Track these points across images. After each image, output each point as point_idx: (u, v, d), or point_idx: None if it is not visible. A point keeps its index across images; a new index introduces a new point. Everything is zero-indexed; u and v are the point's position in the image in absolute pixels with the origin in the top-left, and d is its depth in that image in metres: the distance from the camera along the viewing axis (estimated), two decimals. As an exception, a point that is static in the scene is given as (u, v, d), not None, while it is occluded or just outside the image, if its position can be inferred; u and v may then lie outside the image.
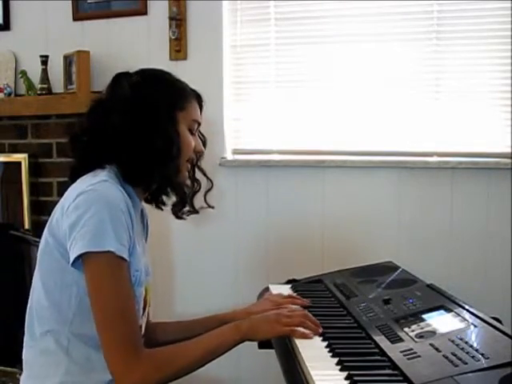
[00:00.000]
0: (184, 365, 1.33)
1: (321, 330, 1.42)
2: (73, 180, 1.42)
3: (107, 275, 1.27)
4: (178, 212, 1.56)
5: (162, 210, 1.54)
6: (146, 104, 1.40)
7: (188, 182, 1.53)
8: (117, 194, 1.32)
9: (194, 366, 1.34)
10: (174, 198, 1.54)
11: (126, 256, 1.29)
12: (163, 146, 1.39)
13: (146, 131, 1.38)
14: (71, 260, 1.28)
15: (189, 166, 1.51)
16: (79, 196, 1.30)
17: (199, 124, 1.52)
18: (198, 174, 1.58)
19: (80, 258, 1.27)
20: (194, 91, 1.52)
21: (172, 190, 1.49)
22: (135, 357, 1.27)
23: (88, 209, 1.27)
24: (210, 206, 1.62)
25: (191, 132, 1.48)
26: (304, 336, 1.39)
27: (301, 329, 1.40)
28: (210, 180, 1.61)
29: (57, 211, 1.36)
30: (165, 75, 1.51)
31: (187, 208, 1.57)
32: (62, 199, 1.37)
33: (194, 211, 1.58)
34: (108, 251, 1.26)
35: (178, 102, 1.45)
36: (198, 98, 1.53)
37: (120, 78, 1.45)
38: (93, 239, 1.25)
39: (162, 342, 1.62)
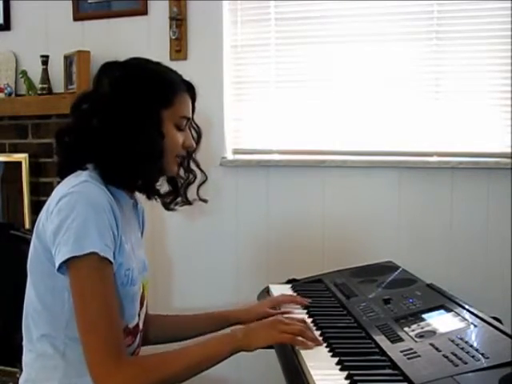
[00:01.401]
0: (171, 374, 1.27)
1: (320, 343, 1.37)
2: (62, 178, 1.38)
3: (91, 278, 1.24)
4: (168, 204, 1.53)
5: (156, 200, 1.49)
6: (127, 104, 1.33)
7: (175, 170, 1.48)
8: (99, 194, 1.29)
9: (182, 376, 1.29)
10: (165, 189, 1.51)
11: (110, 257, 1.26)
12: (144, 150, 1.33)
13: (125, 133, 1.32)
14: (56, 266, 1.25)
15: (178, 160, 1.46)
16: (61, 199, 1.27)
17: (189, 119, 1.46)
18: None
19: (65, 263, 1.24)
20: (185, 83, 1.45)
21: (151, 192, 1.44)
22: (116, 363, 1.22)
23: (70, 212, 1.24)
24: (202, 200, 1.59)
25: (179, 128, 1.42)
26: (304, 344, 1.34)
27: (300, 338, 1.35)
28: (204, 173, 1.57)
29: (42, 215, 1.34)
30: (152, 67, 1.43)
31: (180, 199, 1.54)
32: (47, 202, 1.34)
33: (187, 202, 1.55)
34: (91, 253, 1.23)
35: (162, 98, 1.37)
36: (190, 91, 1.46)
37: (103, 73, 1.39)
38: (76, 243, 1.22)
39: (160, 335, 1.63)
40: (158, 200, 1.50)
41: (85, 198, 1.26)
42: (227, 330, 1.48)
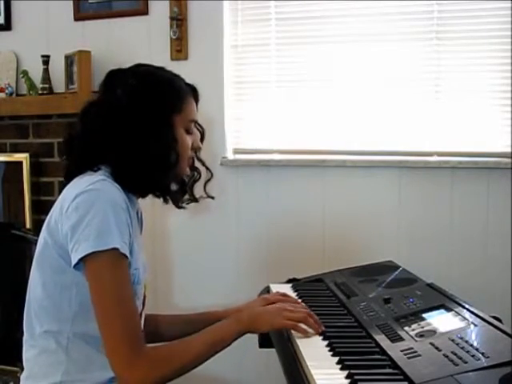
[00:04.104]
0: (187, 360, 1.32)
1: (322, 329, 1.43)
2: (68, 180, 1.41)
3: (111, 273, 1.27)
4: (177, 201, 1.55)
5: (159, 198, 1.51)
6: (142, 111, 1.37)
7: (187, 171, 1.52)
8: (117, 192, 1.32)
9: (196, 361, 1.34)
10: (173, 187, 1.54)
11: (127, 254, 1.30)
12: (162, 157, 1.37)
13: (142, 140, 1.36)
14: (74, 262, 1.27)
15: (190, 160, 1.51)
16: (79, 196, 1.29)
17: (196, 121, 1.51)
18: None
19: (83, 258, 1.26)
20: (189, 86, 1.49)
21: (169, 197, 1.49)
22: (138, 354, 1.26)
23: (90, 208, 1.27)
24: (209, 196, 1.62)
25: (188, 131, 1.46)
26: (305, 333, 1.40)
27: (303, 325, 1.41)
28: (210, 170, 1.61)
29: (55, 212, 1.35)
30: (160, 74, 1.46)
31: (187, 196, 1.57)
32: (60, 199, 1.36)
33: (194, 199, 1.58)
34: (113, 248, 1.26)
35: (174, 105, 1.42)
36: (194, 93, 1.50)
37: (113, 80, 1.42)
38: (98, 238, 1.25)
39: (173, 333, 1.64)
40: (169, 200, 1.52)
41: (104, 195, 1.29)
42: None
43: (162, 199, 1.49)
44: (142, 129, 1.36)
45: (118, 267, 1.28)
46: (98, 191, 1.30)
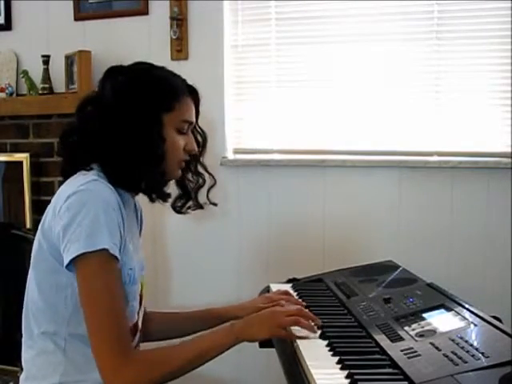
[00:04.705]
0: (176, 367, 1.30)
1: (319, 323, 1.43)
2: (64, 178, 1.41)
3: (100, 274, 1.26)
4: (180, 207, 1.54)
5: (161, 203, 1.49)
6: (128, 109, 1.35)
7: (179, 173, 1.49)
8: (108, 192, 1.31)
9: (186, 368, 1.32)
10: (176, 193, 1.53)
11: (117, 255, 1.28)
12: (145, 153, 1.35)
13: (127, 138, 1.34)
14: (66, 263, 1.26)
15: (183, 164, 1.48)
16: (70, 197, 1.29)
17: (191, 123, 1.47)
18: None
19: (74, 259, 1.25)
20: (188, 87, 1.47)
21: (156, 195, 1.44)
22: (124, 358, 1.25)
23: (81, 209, 1.26)
24: (212, 203, 1.60)
25: (181, 132, 1.43)
26: (300, 337, 1.39)
27: (297, 328, 1.40)
28: (213, 176, 1.59)
29: (48, 213, 1.35)
30: (154, 72, 1.44)
31: (191, 203, 1.56)
32: (53, 200, 1.36)
33: (199, 206, 1.57)
34: (102, 249, 1.25)
35: (164, 103, 1.39)
36: (193, 95, 1.47)
37: (107, 77, 1.41)
38: (88, 239, 1.24)
39: (162, 332, 1.66)
40: (161, 203, 1.49)
41: (95, 195, 1.28)
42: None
43: (149, 199, 1.44)
44: (127, 125, 1.35)
45: (108, 268, 1.27)
46: (90, 191, 1.29)
